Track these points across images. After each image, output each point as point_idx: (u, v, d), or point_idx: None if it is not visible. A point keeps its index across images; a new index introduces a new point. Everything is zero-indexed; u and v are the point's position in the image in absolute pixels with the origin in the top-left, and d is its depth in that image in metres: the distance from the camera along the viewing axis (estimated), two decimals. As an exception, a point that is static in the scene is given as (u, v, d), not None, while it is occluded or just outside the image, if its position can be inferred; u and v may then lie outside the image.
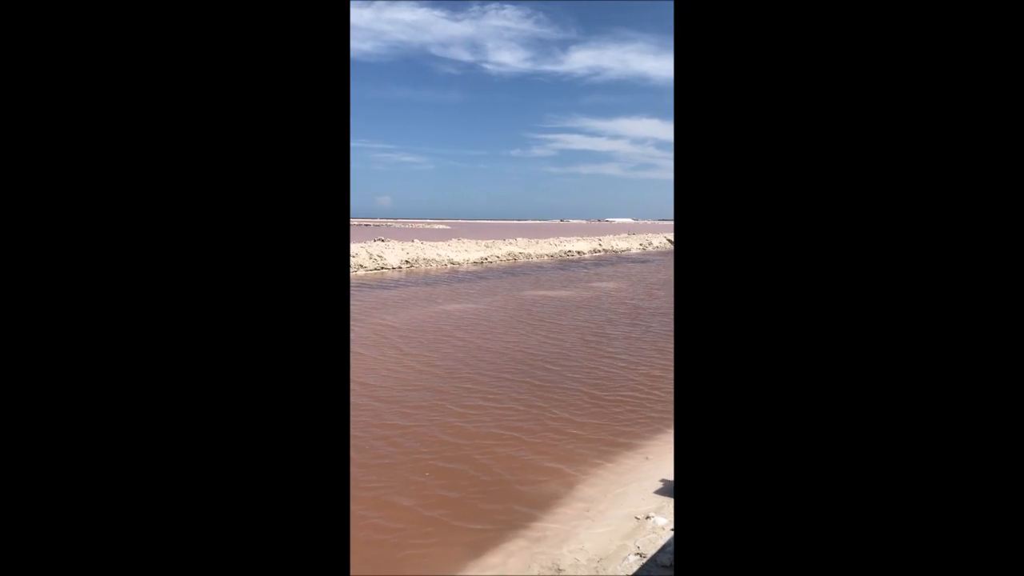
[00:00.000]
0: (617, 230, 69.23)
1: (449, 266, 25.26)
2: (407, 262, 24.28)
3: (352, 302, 13.79)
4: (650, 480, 4.65)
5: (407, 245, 28.57)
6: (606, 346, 9.46)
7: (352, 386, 6.88)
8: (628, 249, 40.59)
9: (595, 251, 37.33)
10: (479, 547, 3.69)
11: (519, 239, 38.91)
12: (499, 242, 35.03)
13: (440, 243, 31.41)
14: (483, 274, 22.35)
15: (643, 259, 32.77)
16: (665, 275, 22.73)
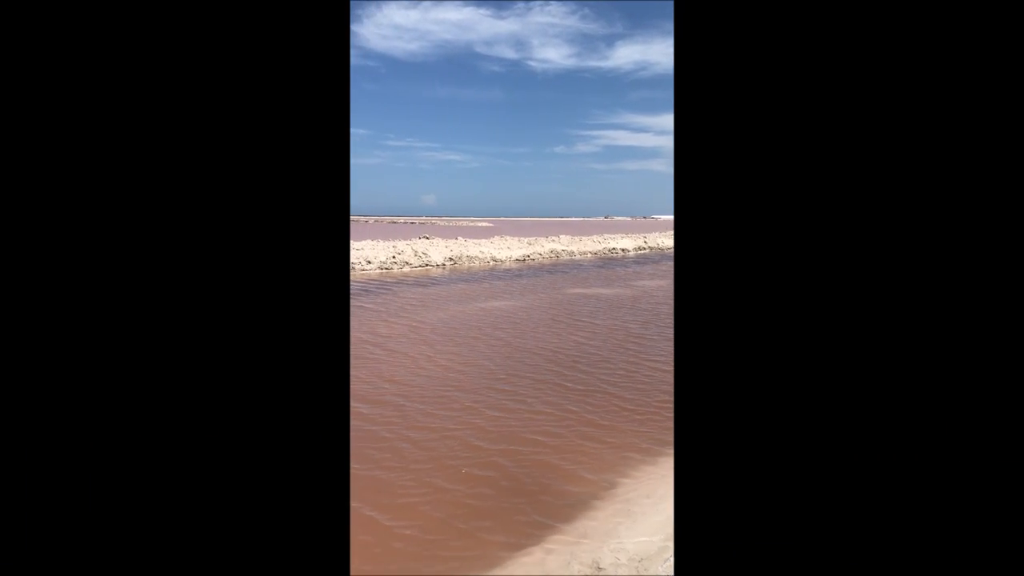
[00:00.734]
0: (663, 227, 68.16)
1: (491, 263, 25.35)
2: (450, 259, 24.52)
3: (394, 299, 13.93)
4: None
5: (451, 242, 28.88)
6: (648, 348, 9.19)
7: (383, 384, 6.86)
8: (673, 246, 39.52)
9: (639, 248, 36.80)
10: (517, 545, 3.66)
11: (562, 236, 38.74)
12: (541, 239, 34.94)
13: (483, 240, 31.59)
14: (525, 271, 22.32)
15: (689, 257, 31.73)
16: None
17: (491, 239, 33.65)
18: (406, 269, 21.97)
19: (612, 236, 40.72)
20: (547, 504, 4.17)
